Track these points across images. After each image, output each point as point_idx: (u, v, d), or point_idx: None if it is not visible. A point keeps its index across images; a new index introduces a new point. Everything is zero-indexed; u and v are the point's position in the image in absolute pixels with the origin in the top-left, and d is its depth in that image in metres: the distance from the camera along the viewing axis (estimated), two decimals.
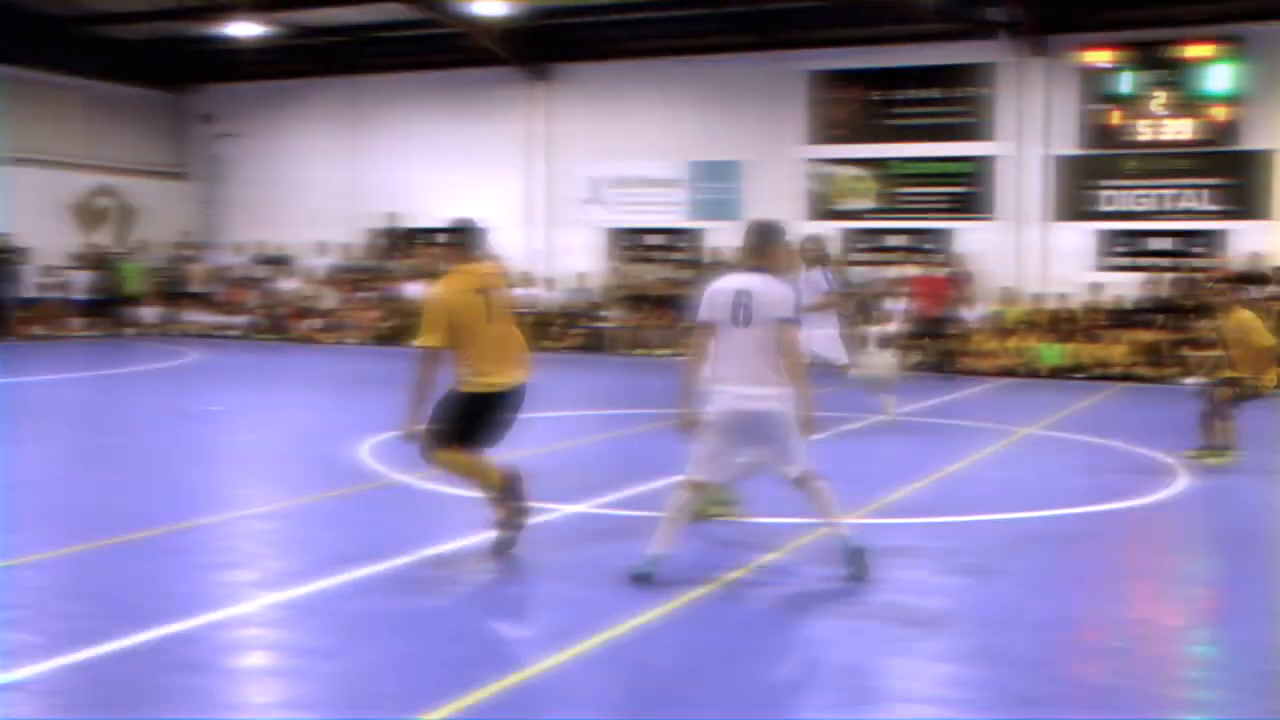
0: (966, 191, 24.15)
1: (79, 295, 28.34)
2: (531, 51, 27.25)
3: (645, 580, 6.95)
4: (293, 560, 7.53)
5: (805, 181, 25.41)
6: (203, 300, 29.81)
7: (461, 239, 7.80)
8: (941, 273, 22.64)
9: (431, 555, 7.64)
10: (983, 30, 23.60)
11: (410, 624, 6.20)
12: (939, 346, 21.86)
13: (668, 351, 22.38)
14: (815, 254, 13.48)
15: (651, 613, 6.43)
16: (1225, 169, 22.15)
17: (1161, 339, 21.15)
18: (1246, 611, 6.85)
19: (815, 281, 12.60)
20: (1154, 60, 22.53)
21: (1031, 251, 23.67)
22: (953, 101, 24.16)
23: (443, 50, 28.15)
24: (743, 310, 7.03)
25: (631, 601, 6.67)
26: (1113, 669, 5.74)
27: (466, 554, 7.78)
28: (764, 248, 7.28)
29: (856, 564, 7.14)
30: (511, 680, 5.38)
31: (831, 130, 25.17)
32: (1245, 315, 11.98)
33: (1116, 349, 21.40)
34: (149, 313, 29.45)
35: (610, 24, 25.94)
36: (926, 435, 13.82)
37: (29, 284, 27.50)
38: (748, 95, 25.80)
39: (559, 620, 6.41)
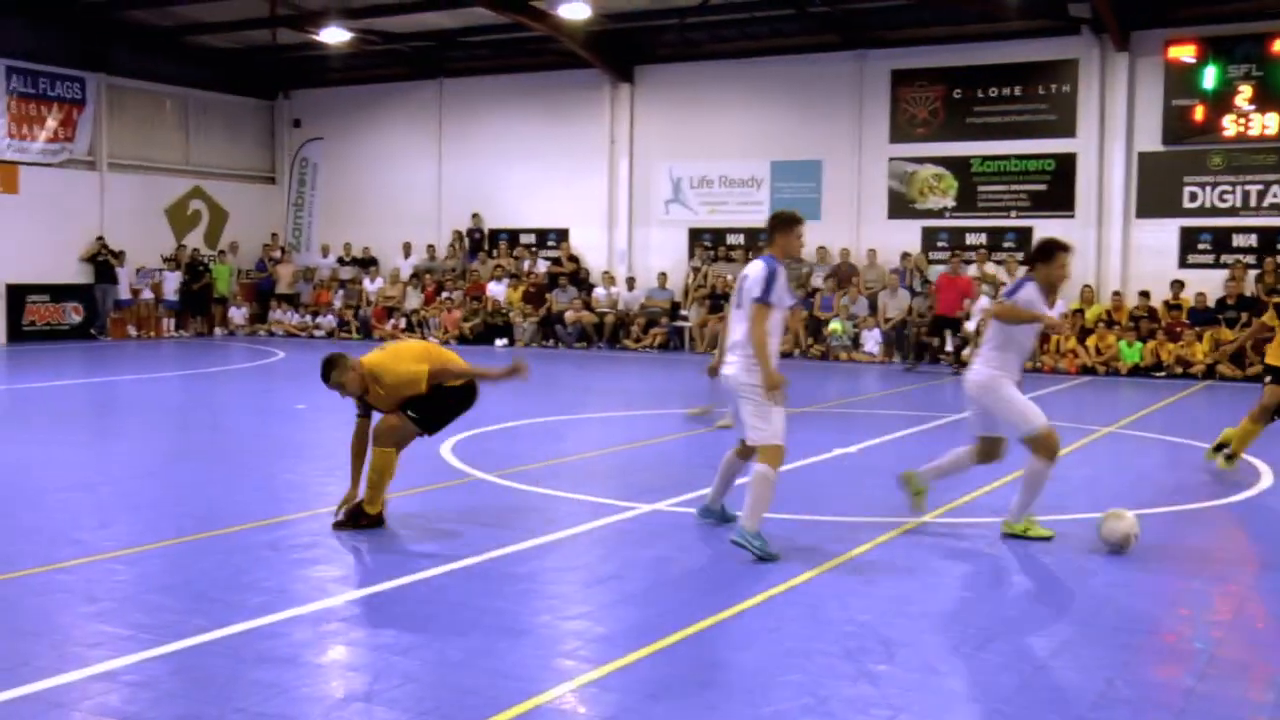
0: (1048, 189, 23.90)
1: (171, 296, 29.02)
2: (614, 53, 27.38)
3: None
4: (375, 556, 7.67)
5: (887, 180, 25.31)
6: (290, 301, 30.34)
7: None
8: (967, 273, 22.71)
9: (510, 553, 7.74)
10: (1066, 26, 23.35)
11: (488, 621, 6.29)
12: (953, 344, 21.91)
13: None
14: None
15: (723, 614, 6.49)
16: None
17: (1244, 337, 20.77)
18: None
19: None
20: (1239, 54, 22.12)
21: (1113, 248, 23.37)
22: (1035, 98, 23.93)
23: (527, 54, 28.39)
24: (738, 294, 7.90)
25: (704, 600, 6.75)
26: (1194, 672, 5.69)
27: (543, 552, 7.88)
28: (772, 233, 7.99)
29: (762, 552, 7.51)
30: (588, 678, 5.43)
31: (913, 128, 25.04)
32: None
33: (1198, 348, 21.04)
34: (238, 313, 30.07)
35: (692, 25, 25.95)
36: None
37: (125, 285, 28.23)
38: (829, 94, 25.73)
39: (632, 619, 6.48)
